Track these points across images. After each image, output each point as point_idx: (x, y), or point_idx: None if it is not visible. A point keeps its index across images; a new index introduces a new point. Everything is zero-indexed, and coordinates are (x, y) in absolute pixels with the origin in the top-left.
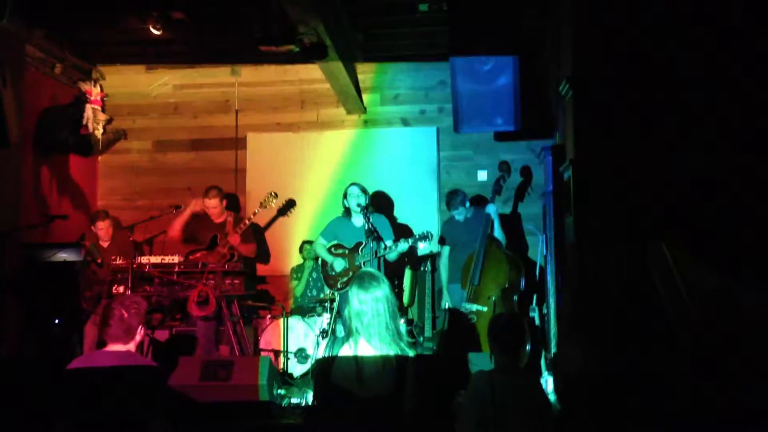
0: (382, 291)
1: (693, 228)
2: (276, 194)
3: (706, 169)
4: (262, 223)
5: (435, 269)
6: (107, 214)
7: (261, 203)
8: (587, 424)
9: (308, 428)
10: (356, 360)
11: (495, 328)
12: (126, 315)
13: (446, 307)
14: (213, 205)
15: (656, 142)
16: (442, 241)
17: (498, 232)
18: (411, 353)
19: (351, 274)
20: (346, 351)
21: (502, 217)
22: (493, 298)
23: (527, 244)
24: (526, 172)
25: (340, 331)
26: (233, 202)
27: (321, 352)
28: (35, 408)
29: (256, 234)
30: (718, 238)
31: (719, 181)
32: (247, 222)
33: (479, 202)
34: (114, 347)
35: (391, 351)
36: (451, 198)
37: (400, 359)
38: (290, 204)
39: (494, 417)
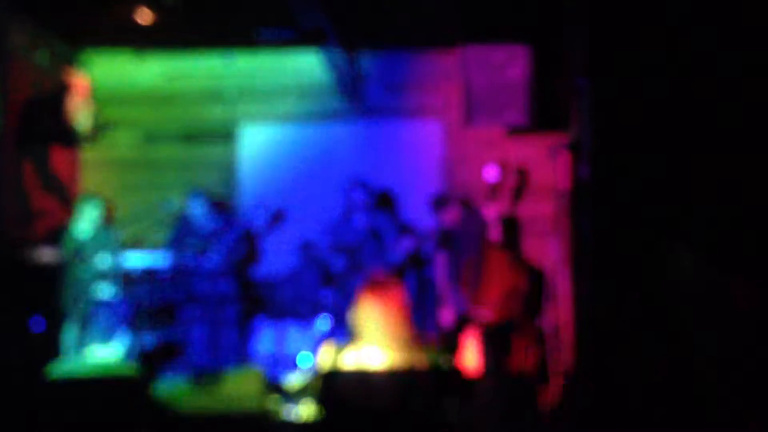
0: (392, 294)
1: (710, 227)
2: (264, 206)
3: (725, 167)
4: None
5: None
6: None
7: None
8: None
9: None
10: (363, 371)
11: (495, 334)
12: (109, 318)
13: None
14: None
15: (675, 138)
16: (441, 243)
17: (496, 235)
18: (421, 360)
19: (352, 274)
20: (352, 357)
21: (498, 219)
22: (497, 301)
23: (527, 246)
24: (521, 172)
25: (340, 335)
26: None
27: (322, 359)
28: (16, 414)
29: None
30: (738, 236)
31: (739, 178)
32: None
33: (467, 204)
34: (97, 351)
35: (399, 358)
36: (436, 203)
37: (410, 368)
38: (278, 216)
39: (500, 423)
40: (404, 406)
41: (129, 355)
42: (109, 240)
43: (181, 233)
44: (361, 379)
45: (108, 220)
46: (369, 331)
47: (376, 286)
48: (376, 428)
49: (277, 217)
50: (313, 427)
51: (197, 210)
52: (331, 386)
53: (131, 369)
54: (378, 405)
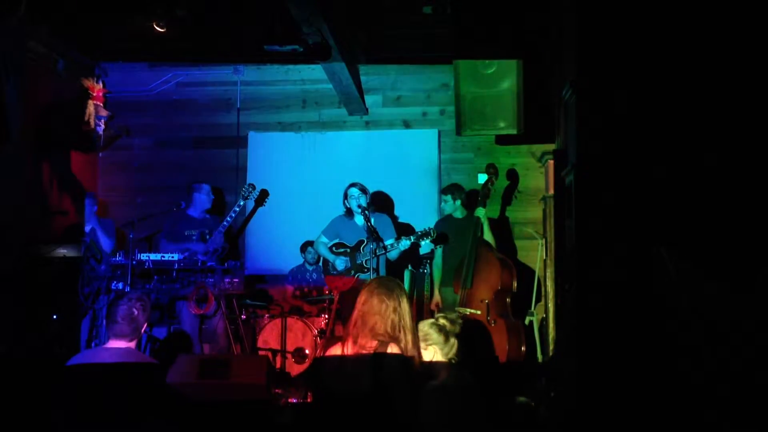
0: (386, 298)
1: (695, 233)
2: (254, 185)
3: (709, 174)
4: (242, 216)
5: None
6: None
7: (241, 194)
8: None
9: (299, 426)
10: (344, 357)
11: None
12: (135, 312)
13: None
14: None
15: (659, 147)
16: (437, 241)
17: (488, 235)
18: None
19: (352, 273)
20: (337, 350)
21: (491, 221)
22: (486, 301)
23: (516, 247)
24: (512, 175)
25: (338, 329)
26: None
27: (316, 350)
28: (34, 404)
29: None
30: (722, 243)
31: (723, 185)
32: (229, 220)
33: (469, 204)
34: (116, 344)
35: (380, 350)
36: (452, 188)
37: (378, 357)
38: (264, 195)
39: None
40: (380, 389)
41: (142, 346)
42: (108, 232)
43: (177, 225)
44: (342, 364)
45: (102, 214)
46: (362, 325)
47: (377, 287)
48: (355, 408)
49: (262, 197)
50: (306, 411)
51: (201, 199)
52: (318, 372)
53: (147, 357)
54: (356, 388)
